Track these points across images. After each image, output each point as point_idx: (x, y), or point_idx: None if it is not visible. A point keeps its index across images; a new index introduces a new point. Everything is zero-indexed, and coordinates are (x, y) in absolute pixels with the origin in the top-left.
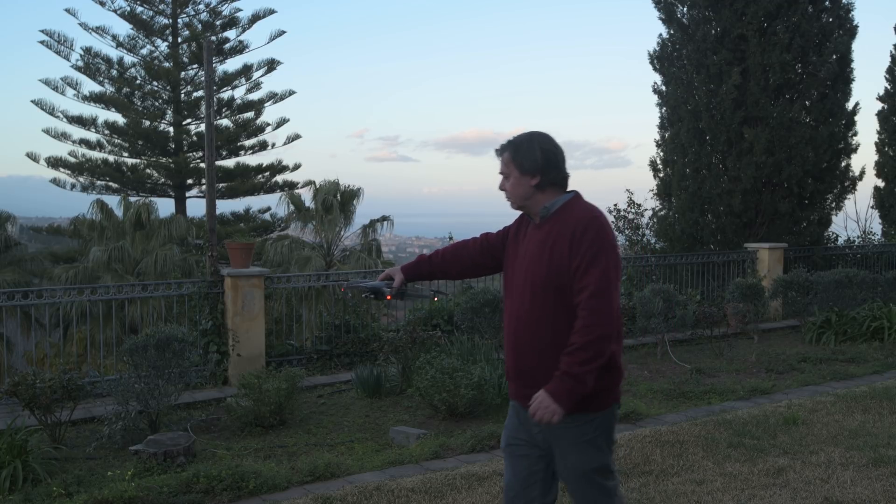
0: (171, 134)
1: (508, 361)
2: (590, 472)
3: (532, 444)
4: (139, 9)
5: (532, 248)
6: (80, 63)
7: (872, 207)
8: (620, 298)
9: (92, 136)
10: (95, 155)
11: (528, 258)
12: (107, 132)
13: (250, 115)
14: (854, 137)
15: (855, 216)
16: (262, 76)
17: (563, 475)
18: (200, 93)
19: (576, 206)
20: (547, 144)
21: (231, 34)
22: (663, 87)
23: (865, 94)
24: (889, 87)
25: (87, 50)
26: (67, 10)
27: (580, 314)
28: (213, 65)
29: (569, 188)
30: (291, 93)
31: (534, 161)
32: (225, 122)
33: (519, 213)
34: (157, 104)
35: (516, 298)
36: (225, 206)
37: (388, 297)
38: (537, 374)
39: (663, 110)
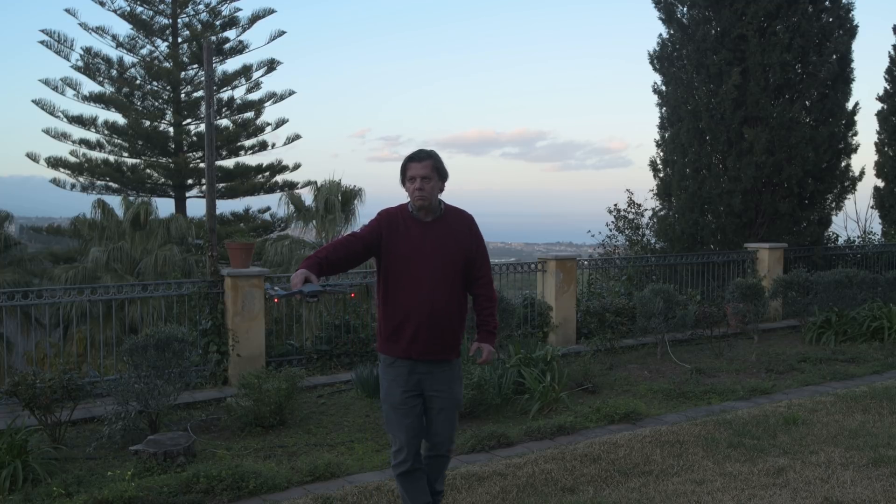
0: (171, 134)
1: (416, 329)
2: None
3: (417, 393)
4: (139, 9)
5: (440, 240)
6: (80, 63)
7: (872, 207)
8: (621, 298)
9: (92, 136)
10: (95, 155)
11: (437, 248)
12: (107, 132)
13: (250, 115)
14: (854, 137)
15: (855, 216)
16: (262, 76)
17: (445, 405)
18: (200, 93)
19: (452, 207)
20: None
21: (231, 34)
22: (663, 87)
23: (865, 94)
24: (888, 88)
25: (87, 50)
26: (67, 10)
27: (484, 290)
28: (213, 65)
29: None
30: (292, 93)
31: (446, 171)
32: (225, 122)
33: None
34: (157, 104)
35: (427, 281)
36: (225, 206)
37: (303, 297)
38: (446, 337)
39: (663, 110)
